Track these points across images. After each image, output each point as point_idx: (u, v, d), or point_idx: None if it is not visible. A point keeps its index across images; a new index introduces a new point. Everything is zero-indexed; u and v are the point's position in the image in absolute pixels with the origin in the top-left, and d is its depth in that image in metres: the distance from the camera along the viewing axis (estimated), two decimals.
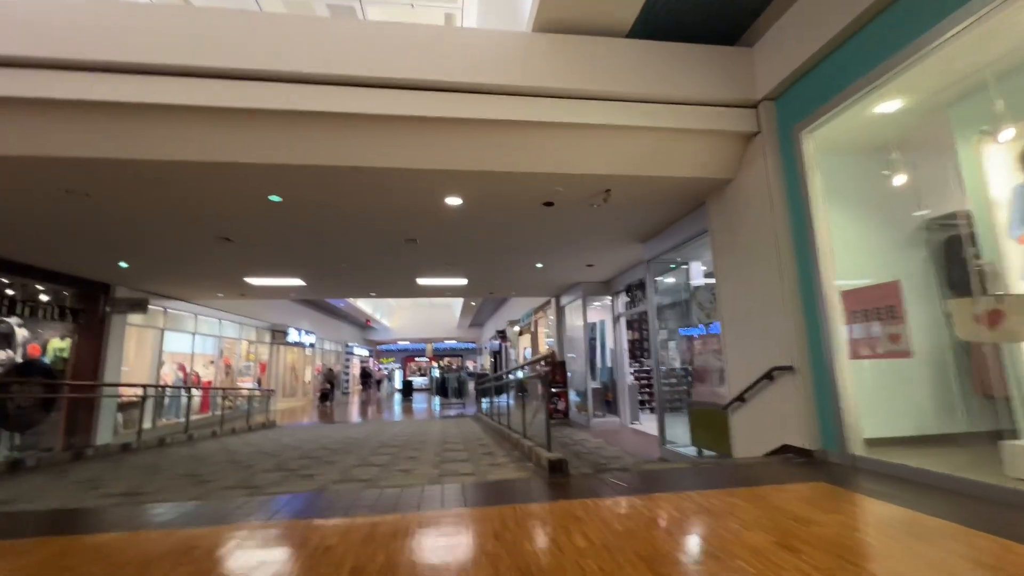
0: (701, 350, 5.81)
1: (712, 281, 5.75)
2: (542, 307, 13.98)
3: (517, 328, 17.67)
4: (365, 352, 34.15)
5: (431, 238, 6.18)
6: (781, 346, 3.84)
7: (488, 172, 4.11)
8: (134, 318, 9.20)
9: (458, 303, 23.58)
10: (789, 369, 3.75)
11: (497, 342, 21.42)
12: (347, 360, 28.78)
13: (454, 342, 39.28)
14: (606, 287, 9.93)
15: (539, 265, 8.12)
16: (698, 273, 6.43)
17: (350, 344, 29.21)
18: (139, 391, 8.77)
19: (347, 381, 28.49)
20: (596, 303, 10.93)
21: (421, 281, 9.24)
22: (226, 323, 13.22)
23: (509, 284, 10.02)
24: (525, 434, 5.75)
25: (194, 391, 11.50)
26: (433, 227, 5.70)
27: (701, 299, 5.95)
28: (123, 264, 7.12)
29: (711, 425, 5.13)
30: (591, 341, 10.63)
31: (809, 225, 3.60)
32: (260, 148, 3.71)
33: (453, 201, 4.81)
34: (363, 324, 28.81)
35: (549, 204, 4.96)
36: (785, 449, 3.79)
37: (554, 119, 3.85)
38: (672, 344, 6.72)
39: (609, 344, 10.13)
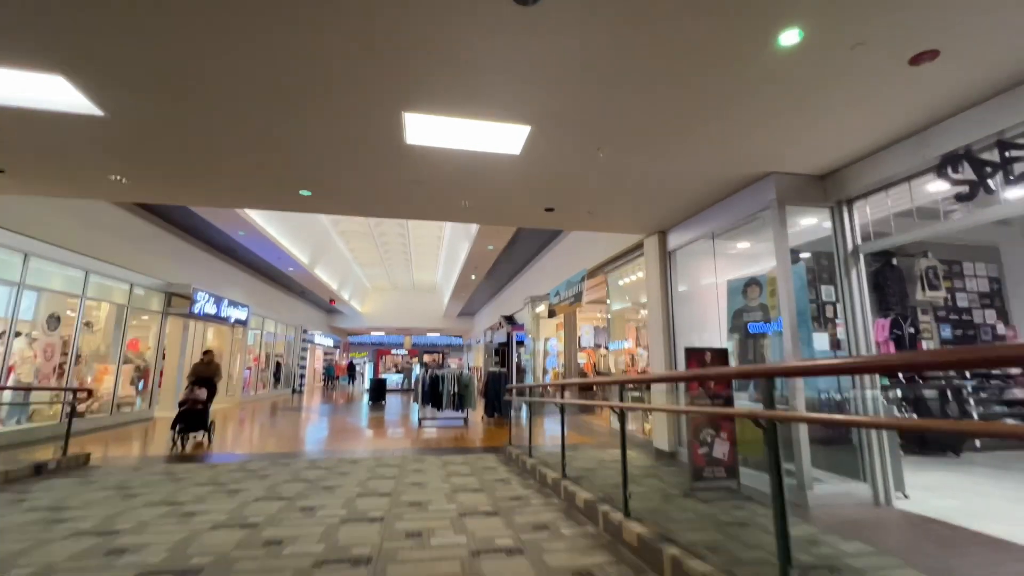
0: None
1: None
2: (605, 265, 8.53)
3: (542, 308, 12.16)
4: (329, 342, 28.22)
5: None
6: None
7: None
8: None
9: (448, 284, 17.95)
10: None
11: (503, 332, 15.88)
12: (304, 350, 22.85)
13: (437, 335, 33.61)
14: (820, 187, 4.52)
15: (789, 39, 2.65)
16: None
17: (309, 331, 23.27)
18: None
19: (303, 376, 22.60)
20: (739, 242, 5.56)
21: (414, 133, 3.68)
22: (51, 265, 7.33)
23: (607, 177, 4.53)
24: None
25: None
26: None
27: None
28: None
29: None
30: (737, 316, 5.25)
31: None
32: None
33: None
34: (327, 305, 22.92)
35: None
36: None
37: None
38: None
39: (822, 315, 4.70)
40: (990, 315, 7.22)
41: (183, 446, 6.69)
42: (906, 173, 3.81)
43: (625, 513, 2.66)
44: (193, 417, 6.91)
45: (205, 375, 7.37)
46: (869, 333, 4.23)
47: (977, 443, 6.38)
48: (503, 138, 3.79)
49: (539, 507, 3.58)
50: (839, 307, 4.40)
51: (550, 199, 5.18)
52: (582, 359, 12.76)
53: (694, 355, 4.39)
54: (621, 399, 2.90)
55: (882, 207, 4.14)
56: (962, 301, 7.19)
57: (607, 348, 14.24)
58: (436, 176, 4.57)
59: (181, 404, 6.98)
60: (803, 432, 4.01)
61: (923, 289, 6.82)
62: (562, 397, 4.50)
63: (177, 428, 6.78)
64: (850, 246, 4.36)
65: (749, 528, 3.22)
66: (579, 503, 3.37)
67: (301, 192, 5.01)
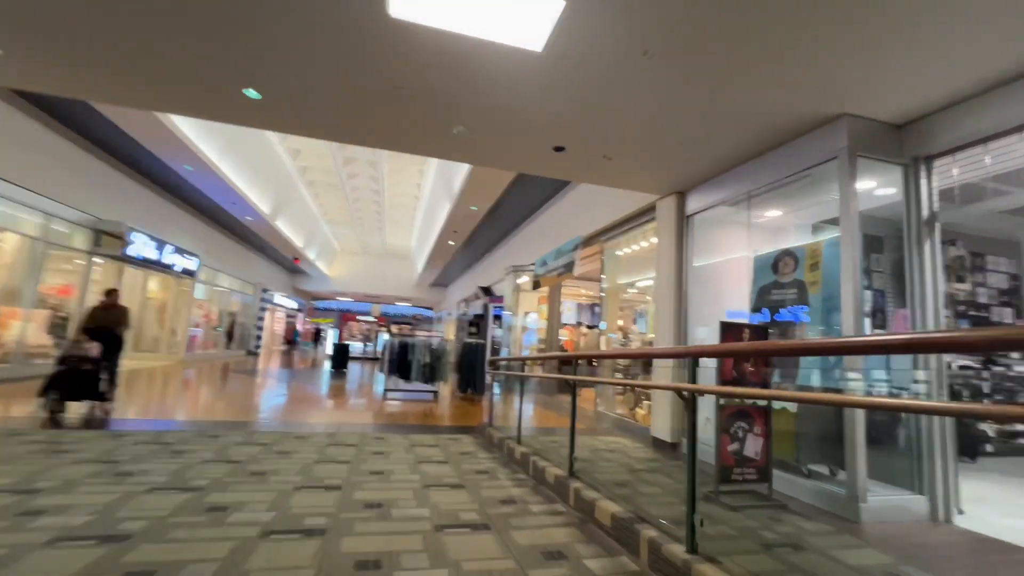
0: None
1: None
2: (602, 234, 7.67)
3: (525, 279, 11.27)
4: (292, 304, 26.68)
5: None
6: None
7: None
8: None
9: (423, 250, 16.79)
10: None
11: (478, 304, 14.95)
12: (262, 310, 21.34)
13: (407, 305, 32.38)
14: (896, 139, 3.71)
15: None
16: None
17: (270, 291, 21.73)
18: None
19: (259, 337, 21.17)
20: (768, 210, 4.78)
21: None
22: None
23: (642, 101, 3.61)
24: None
25: None
26: None
27: None
28: None
29: None
30: (763, 294, 4.49)
31: None
32: None
33: None
34: (290, 264, 21.39)
35: None
36: None
37: None
38: None
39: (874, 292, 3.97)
40: (1007, 313, 6.78)
41: (55, 420, 4.64)
42: (1006, 126, 3.04)
43: (690, 548, 1.83)
44: (77, 381, 4.92)
45: (105, 323, 5.64)
46: (941, 323, 3.52)
47: (988, 447, 5.98)
48: (524, 24, 2.78)
49: (542, 516, 2.73)
50: (906, 290, 3.66)
51: (564, 132, 4.21)
52: (563, 336, 12.02)
53: (730, 331, 3.59)
54: (693, 380, 2.01)
55: (976, 167, 3.38)
56: (981, 296, 6.71)
57: (589, 327, 13.54)
58: (426, 80, 3.52)
59: (60, 361, 4.97)
60: (859, 431, 3.28)
61: (948, 280, 6.28)
62: (574, 372, 3.65)
63: (49, 396, 4.78)
64: (925, 213, 3.60)
65: (807, 553, 2.47)
66: (602, 518, 2.50)
67: (246, 92, 3.86)
